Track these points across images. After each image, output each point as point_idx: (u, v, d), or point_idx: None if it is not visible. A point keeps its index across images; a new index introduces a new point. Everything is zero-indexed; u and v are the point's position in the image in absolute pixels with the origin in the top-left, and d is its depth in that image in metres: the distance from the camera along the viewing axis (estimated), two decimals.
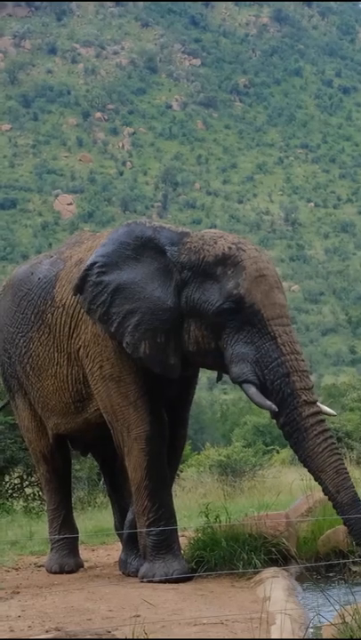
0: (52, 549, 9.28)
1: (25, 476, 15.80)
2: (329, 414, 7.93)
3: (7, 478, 15.91)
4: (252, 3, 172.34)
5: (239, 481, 18.18)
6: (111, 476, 9.36)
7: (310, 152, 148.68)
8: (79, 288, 8.26)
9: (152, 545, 8.13)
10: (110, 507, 10.05)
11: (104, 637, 5.86)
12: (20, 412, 9.43)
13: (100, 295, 8.14)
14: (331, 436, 7.72)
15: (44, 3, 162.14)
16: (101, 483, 15.69)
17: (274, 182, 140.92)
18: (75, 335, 8.54)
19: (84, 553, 9.67)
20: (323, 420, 7.71)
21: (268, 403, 7.64)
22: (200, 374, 8.81)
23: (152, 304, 8.02)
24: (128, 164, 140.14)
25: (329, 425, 7.91)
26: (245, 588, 7.63)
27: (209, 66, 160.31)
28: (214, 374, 8.43)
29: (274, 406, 7.63)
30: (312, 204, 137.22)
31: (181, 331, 7.98)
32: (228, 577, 8.01)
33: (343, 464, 7.63)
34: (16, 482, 15.93)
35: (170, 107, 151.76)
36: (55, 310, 8.71)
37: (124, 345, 8.04)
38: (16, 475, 15.94)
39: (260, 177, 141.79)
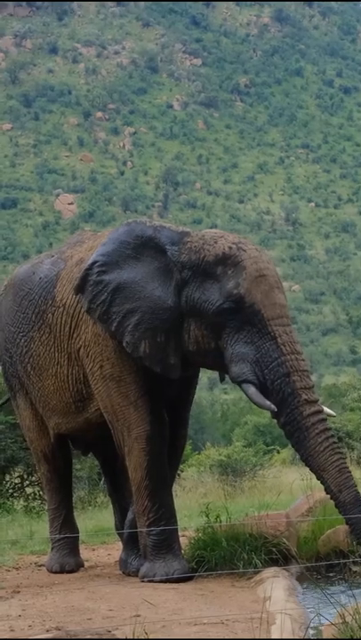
0: (52, 549, 9.29)
1: (25, 476, 15.80)
2: (329, 415, 7.94)
3: (8, 478, 15.91)
4: (253, 3, 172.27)
5: (240, 481, 18.19)
6: (112, 475, 9.36)
7: (311, 152, 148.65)
8: (80, 287, 8.27)
9: (152, 545, 8.13)
10: (111, 506, 10.05)
11: (104, 637, 5.86)
12: (21, 411, 9.44)
13: (101, 294, 8.15)
14: (332, 435, 7.73)
15: (45, 2, 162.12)
16: (102, 482, 15.69)
17: (275, 182, 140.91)
18: (75, 335, 8.54)
19: (84, 552, 9.67)
20: (324, 419, 7.71)
21: (268, 403, 7.64)
22: (201, 374, 8.81)
23: (152, 303, 8.03)
24: (129, 163, 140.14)
25: (330, 425, 7.91)
26: (246, 588, 7.63)
27: (210, 66, 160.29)
28: (215, 374, 8.43)
29: (273, 406, 7.64)
30: (313, 203, 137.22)
31: (181, 330, 7.98)
32: (228, 577, 8.01)
33: (345, 463, 7.64)
34: (16, 481, 15.93)
35: (171, 106, 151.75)
36: (56, 310, 8.71)
37: (124, 344, 8.04)
38: (16, 474, 15.94)
39: (261, 177, 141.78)
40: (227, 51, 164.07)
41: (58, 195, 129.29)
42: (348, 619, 5.32)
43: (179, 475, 15.69)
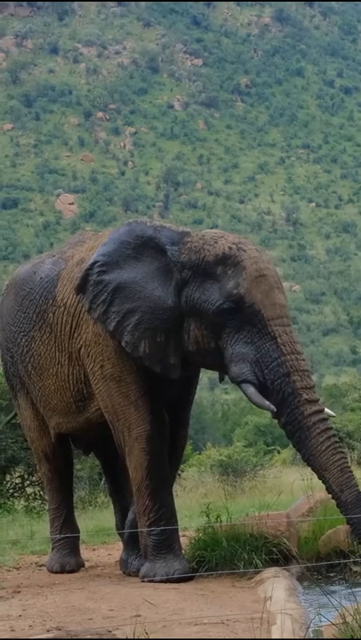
0: (53, 549, 9.29)
1: (26, 476, 15.80)
2: (329, 415, 7.93)
3: (8, 478, 15.91)
4: (253, 3, 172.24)
5: (240, 481, 18.20)
6: (113, 475, 9.36)
7: (312, 152, 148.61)
8: (80, 287, 8.28)
9: (153, 545, 8.13)
10: (111, 506, 10.05)
11: (105, 637, 5.86)
12: (22, 411, 9.44)
13: (101, 294, 8.16)
14: (334, 435, 7.73)
15: (46, 2, 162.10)
16: (102, 482, 15.69)
17: (275, 182, 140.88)
18: (76, 335, 8.55)
19: (85, 552, 9.68)
20: (325, 419, 7.71)
21: (267, 403, 7.65)
22: (201, 374, 8.81)
23: (152, 303, 8.03)
24: (130, 163, 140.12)
25: (331, 425, 7.91)
26: (246, 588, 7.63)
27: (211, 66, 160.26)
28: (216, 374, 8.43)
29: (272, 406, 7.64)
30: (313, 204, 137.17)
31: (181, 330, 7.99)
32: (228, 577, 8.01)
33: (347, 462, 7.64)
34: (17, 481, 15.93)
35: (171, 107, 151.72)
36: (56, 310, 8.71)
37: (124, 344, 8.05)
38: (17, 474, 15.94)
39: (262, 177, 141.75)
40: (227, 51, 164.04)
41: (58, 195, 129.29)
42: (349, 619, 5.33)
43: (179, 475, 15.69)
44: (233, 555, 8.15)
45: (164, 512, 8.16)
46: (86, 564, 9.33)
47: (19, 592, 8.01)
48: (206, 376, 9.06)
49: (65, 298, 8.66)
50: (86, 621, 6.49)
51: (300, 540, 8.59)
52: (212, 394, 59.08)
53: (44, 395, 8.97)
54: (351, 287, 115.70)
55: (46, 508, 12.47)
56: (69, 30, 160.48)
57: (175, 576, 7.98)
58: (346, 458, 7.71)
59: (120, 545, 9.25)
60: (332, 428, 7.78)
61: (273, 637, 5.59)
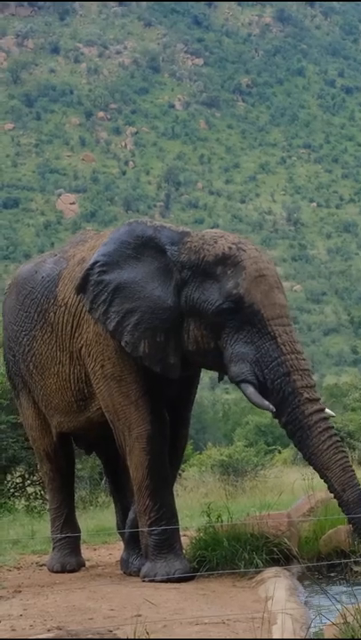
0: (53, 548, 9.29)
1: (27, 475, 15.80)
2: (329, 416, 7.92)
3: (9, 477, 15.91)
4: (254, 3, 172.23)
5: (241, 480, 18.20)
6: (114, 475, 9.36)
7: (313, 152, 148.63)
8: (81, 287, 8.29)
9: (154, 544, 8.13)
10: (112, 506, 10.05)
11: (106, 637, 5.86)
12: (24, 410, 9.45)
13: (101, 294, 8.16)
14: (335, 434, 7.72)
15: (47, 2, 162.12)
16: (103, 482, 15.70)
17: (276, 182, 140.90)
18: (77, 334, 8.55)
19: (85, 552, 9.67)
20: (326, 418, 7.70)
21: (266, 403, 7.64)
22: (202, 374, 8.81)
23: (152, 303, 8.03)
24: (131, 163, 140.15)
25: (332, 424, 7.90)
26: (247, 588, 7.62)
27: (212, 65, 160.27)
28: (216, 374, 8.42)
29: (271, 406, 7.64)
30: (315, 203, 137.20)
31: (181, 330, 7.99)
32: (229, 576, 8.01)
33: (349, 461, 7.63)
34: (18, 481, 15.93)
35: (172, 106, 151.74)
36: (58, 309, 8.72)
37: (124, 344, 8.05)
38: (18, 474, 15.94)
39: (263, 177, 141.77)
40: (228, 50, 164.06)
41: (60, 194, 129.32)
42: (350, 619, 5.33)
43: (180, 474, 15.69)
44: (234, 554, 8.15)
45: (165, 512, 8.16)
46: (87, 564, 9.32)
47: (19, 592, 8.01)
48: (207, 376, 9.06)
49: (66, 297, 8.67)
50: (87, 621, 6.49)
51: (300, 540, 8.59)
52: (213, 393, 59.06)
53: (45, 394, 8.98)
54: (352, 287, 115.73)
55: (47, 507, 12.47)
56: (70, 30, 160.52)
57: (176, 576, 7.98)
58: (347, 457, 7.71)
59: (121, 545, 9.25)
60: (333, 427, 7.78)
61: (274, 637, 5.59)
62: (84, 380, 8.56)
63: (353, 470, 7.58)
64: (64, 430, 9.03)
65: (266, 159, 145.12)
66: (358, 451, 20.90)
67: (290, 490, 12.72)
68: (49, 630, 6.16)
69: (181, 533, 8.50)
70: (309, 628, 5.83)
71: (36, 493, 15.70)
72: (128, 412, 8.20)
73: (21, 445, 14.85)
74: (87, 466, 15.72)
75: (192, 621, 6.28)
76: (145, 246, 8.19)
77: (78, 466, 14.75)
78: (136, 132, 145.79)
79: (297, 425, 7.64)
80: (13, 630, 6.30)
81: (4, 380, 14.27)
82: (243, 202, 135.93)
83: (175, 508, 8.36)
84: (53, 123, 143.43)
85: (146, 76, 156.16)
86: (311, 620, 6.06)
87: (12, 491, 15.84)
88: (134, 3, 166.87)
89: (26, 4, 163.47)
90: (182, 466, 15.66)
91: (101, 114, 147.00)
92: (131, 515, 8.69)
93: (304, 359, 7.81)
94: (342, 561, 7.96)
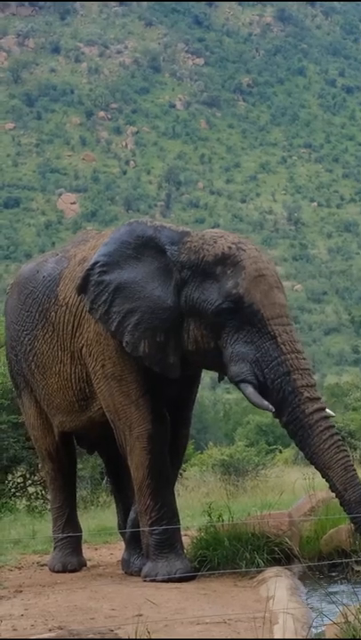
0: (55, 548, 9.29)
1: (28, 475, 15.81)
2: (328, 416, 7.91)
3: (10, 477, 15.91)
4: (255, 2, 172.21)
5: (242, 480, 18.21)
6: (116, 474, 9.35)
7: (313, 151, 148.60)
8: (82, 288, 8.29)
9: (155, 544, 8.13)
10: (113, 506, 10.05)
11: (107, 636, 5.86)
12: (26, 409, 9.46)
13: (102, 294, 8.17)
14: (337, 433, 7.71)
15: (48, 2, 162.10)
16: (104, 482, 15.70)
17: (277, 182, 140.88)
18: (78, 334, 8.56)
19: (86, 552, 9.67)
20: (327, 417, 7.69)
21: (266, 403, 7.64)
22: (203, 373, 8.81)
23: (152, 303, 8.04)
24: (131, 163, 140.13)
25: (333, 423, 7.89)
26: (248, 588, 7.63)
27: (212, 65, 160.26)
28: (217, 373, 8.42)
29: (271, 406, 7.64)
30: (315, 203, 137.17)
31: (181, 330, 7.99)
32: (230, 576, 8.01)
33: (350, 461, 7.62)
34: (19, 481, 15.94)
35: (173, 106, 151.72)
36: (59, 309, 8.72)
37: (124, 344, 8.06)
38: (19, 474, 15.94)
39: (264, 176, 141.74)
40: (229, 50, 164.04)
41: (60, 194, 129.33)
42: (351, 618, 5.33)
43: (181, 474, 15.68)
44: (235, 554, 8.15)
45: (166, 511, 8.16)
46: (88, 564, 9.32)
47: (21, 591, 8.01)
48: (208, 375, 9.05)
49: (67, 297, 8.67)
50: (88, 621, 6.50)
51: (301, 540, 8.59)
52: (214, 393, 59.07)
53: (47, 393, 8.98)
54: (353, 287, 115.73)
55: (48, 507, 12.47)
56: (71, 30, 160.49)
57: (177, 575, 7.98)
58: (349, 456, 7.69)
59: (122, 544, 9.26)
60: (334, 426, 7.77)
61: (275, 637, 5.59)
62: (85, 380, 8.57)
63: (355, 470, 7.58)
64: (66, 430, 9.04)
65: (266, 159, 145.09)
66: (360, 450, 20.90)
67: (291, 489, 12.72)
68: (50, 630, 6.16)
69: (182, 533, 8.50)
70: (311, 627, 5.84)
71: (37, 493, 15.71)
72: (129, 412, 8.20)
73: (22, 445, 14.85)
74: (88, 465, 15.72)
75: (193, 621, 6.29)
76: (145, 246, 8.19)
77: (79, 465, 14.75)
78: (137, 132, 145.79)
79: (298, 424, 7.63)
80: (15, 630, 6.30)
81: (5, 379, 14.29)
82: (243, 201, 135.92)
83: (176, 507, 8.36)
84: (54, 122, 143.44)
85: (146, 75, 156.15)
86: (312, 619, 6.06)
87: (13, 490, 15.84)
88: (135, 2, 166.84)
89: (27, 3, 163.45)
90: (183, 465, 15.66)
91: (102, 113, 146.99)
92: (132, 514, 8.69)
93: (304, 358, 7.81)
94: (343, 560, 7.97)
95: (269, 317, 7.73)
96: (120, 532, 9.38)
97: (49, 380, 8.89)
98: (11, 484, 15.87)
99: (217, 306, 7.80)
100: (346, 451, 7.68)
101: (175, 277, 8.00)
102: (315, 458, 7.60)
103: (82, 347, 8.51)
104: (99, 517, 12.85)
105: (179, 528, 8.30)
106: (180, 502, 9.22)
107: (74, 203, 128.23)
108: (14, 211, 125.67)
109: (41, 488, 15.52)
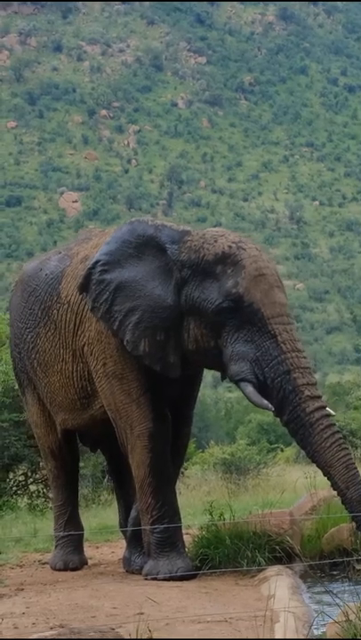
0: (56, 546, 9.29)
1: (29, 474, 15.80)
2: (329, 414, 7.90)
3: (12, 475, 15.91)
4: (257, 1, 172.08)
5: (243, 479, 18.19)
6: (118, 473, 9.36)
7: (316, 150, 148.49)
8: (84, 286, 8.31)
9: (156, 542, 8.14)
10: (114, 504, 10.05)
11: (108, 635, 5.86)
12: (29, 407, 9.47)
13: (103, 293, 8.18)
14: (338, 431, 7.71)
15: (50, 1, 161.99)
16: (105, 480, 15.70)
17: (279, 180, 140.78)
18: (79, 332, 8.57)
19: (88, 550, 9.68)
20: (328, 415, 7.69)
21: (265, 402, 7.65)
22: (205, 372, 8.81)
23: (152, 302, 8.05)
24: (133, 161, 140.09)
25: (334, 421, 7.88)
26: (249, 586, 7.63)
27: (214, 64, 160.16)
28: (220, 372, 8.41)
29: (270, 405, 7.65)
30: (317, 202, 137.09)
31: (181, 329, 8.00)
32: (232, 575, 8.02)
33: (352, 459, 7.63)
34: (20, 479, 15.93)
35: (175, 105, 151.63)
36: (61, 307, 8.74)
37: (125, 343, 8.07)
38: (20, 472, 15.94)
39: (266, 175, 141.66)
40: (231, 49, 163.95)
41: (62, 193, 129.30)
42: (352, 617, 5.33)
43: (182, 473, 15.68)
44: (236, 553, 8.16)
45: (167, 510, 8.17)
46: (89, 562, 9.33)
47: (22, 590, 8.02)
48: (210, 374, 9.06)
49: (69, 295, 8.68)
50: (89, 619, 6.50)
51: (303, 538, 8.60)
52: (216, 392, 59.06)
53: (49, 391, 9.00)
54: (355, 285, 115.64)
55: (49, 505, 12.47)
56: (73, 28, 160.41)
57: (178, 574, 7.99)
58: (351, 454, 7.70)
59: (123, 543, 9.26)
60: (335, 425, 7.77)
61: (276, 636, 5.59)
62: (86, 378, 8.58)
63: (356, 468, 7.58)
64: (68, 427, 9.05)
65: (268, 157, 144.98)
66: None
67: (292, 488, 12.72)
68: (51, 628, 6.16)
69: (184, 531, 8.50)
70: (312, 626, 5.84)
71: (39, 491, 15.70)
72: (130, 410, 8.21)
73: (24, 443, 14.84)
74: (89, 464, 15.72)
75: (194, 619, 6.29)
76: (146, 245, 8.20)
77: (80, 464, 14.76)
78: (139, 131, 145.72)
79: (299, 423, 7.63)
80: (16, 628, 6.31)
81: (7, 377, 14.30)
82: (245, 200, 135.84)
83: (177, 506, 8.37)
84: (56, 121, 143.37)
85: (148, 74, 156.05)
86: (314, 618, 6.06)
87: (14, 489, 15.84)
88: (137, 1, 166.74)
89: (29, 2, 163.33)
90: (185, 464, 15.64)
91: (104, 112, 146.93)
92: (133, 513, 8.70)
93: (305, 357, 7.81)
94: (345, 559, 7.97)
95: (269, 316, 7.73)
96: (121, 531, 9.39)
97: (51, 378, 8.90)
98: (12, 483, 15.87)
99: (217, 305, 7.80)
100: (347, 449, 7.68)
101: (175, 276, 8.01)
102: (316, 456, 7.60)
103: (83, 345, 8.52)
104: (100, 516, 12.86)
105: (180, 526, 8.31)
106: (181, 501, 9.22)
107: (76, 201, 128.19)
108: (16, 209, 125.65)
109: (42, 486, 15.52)
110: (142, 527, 8.24)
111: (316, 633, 5.77)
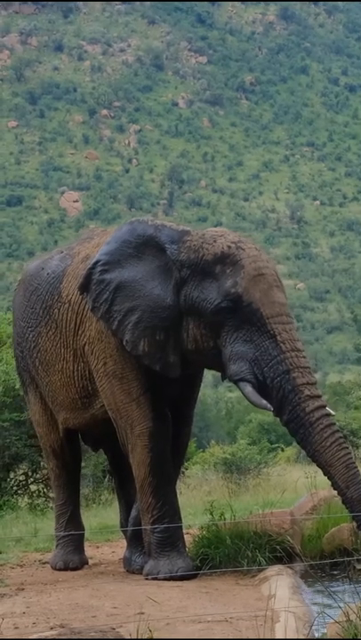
0: (57, 546, 9.29)
1: (30, 473, 15.80)
2: (329, 413, 7.90)
3: (12, 475, 15.91)
4: (258, 1, 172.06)
5: (244, 479, 18.19)
6: (119, 472, 9.36)
7: (316, 150, 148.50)
8: (84, 286, 8.32)
9: (156, 542, 8.13)
10: (115, 504, 10.05)
11: (108, 635, 5.86)
12: (31, 405, 9.48)
13: (103, 293, 8.19)
14: (338, 430, 7.70)
15: (51, 0, 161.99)
16: (106, 480, 15.70)
17: (280, 180, 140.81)
18: (80, 332, 8.57)
19: (88, 550, 9.68)
20: (328, 414, 7.68)
21: (264, 402, 7.65)
22: (206, 372, 8.80)
23: (152, 302, 8.05)
24: (134, 161, 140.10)
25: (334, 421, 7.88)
26: (250, 586, 7.63)
27: (215, 63, 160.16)
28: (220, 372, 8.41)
29: (269, 405, 7.65)
30: (318, 202, 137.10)
31: (180, 329, 8.00)
32: (232, 574, 8.02)
33: (352, 458, 7.61)
34: (21, 479, 15.93)
35: (176, 104, 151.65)
36: (62, 306, 8.75)
37: (124, 342, 8.08)
38: (21, 471, 15.94)
39: (266, 175, 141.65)
40: (232, 49, 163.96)
41: (63, 192, 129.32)
42: (353, 617, 5.33)
43: (183, 472, 15.68)
44: (237, 552, 8.15)
45: (168, 509, 8.17)
46: (90, 562, 9.33)
47: (22, 589, 8.01)
48: (210, 374, 9.06)
49: (70, 294, 8.69)
50: (90, 619, 6.50)
51: (303, 538, 8.59)
52: (216, 391, 59.07)
53: (51, 390, 9.01)
54: (355, 285, 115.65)
55: (50, 505, 12.46)
56: (74, 28, 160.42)
57: (179, 574, 7.99)
58: (351, 454, 7.68)
59: (124, 542, 9.26)
60: (335, 424, 7.76)
61: (277, 635, 5.59)
62: (87, 378, 8.58)
63: (357, 467, 7.57)
64: (70, 426, 9.05)
65: (269, 157, 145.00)
66: None
67: (293, 488, 12.72)
68: (52, 628, 6.16)
69: (184, 531, 8.50)
70: (312, 626, 5.83)
71: (39, 491, 15.70)
72: (130, 410, 8.21)
73: (24, 443, 14.84)
74: (90, 464, 15.72)
75: (195, 619, 6.29)
76: (146, 245, 8.21)
77: (82, 463, 14.76)
78: (139, 130, 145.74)
79: (299, 422, 7.63)
80: (16, 628, 6.30)
81: (8, 377, 14.30)
82: (246, 200, 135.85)
83: (178, 505, 8.37)
84: (57, 120, 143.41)
85: (149, 73, 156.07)
86: (314, 618, 6.06)
87: (15, 488, 15.84)
88: (138, 1, 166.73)
89: (30, 2, 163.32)
90: (185, 464, 15.65)
91: (105, 112, 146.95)
92: (133, 512, 8.70)
93: (304, 357, 7.80)
94: (345, 559, 7.97)
95: (269, 316, 7.73)
96: (122, 530, 9.39)
97: (52, 377, 8.91)
98: (13, 482, 15.87)
99: (216, 305, 7.80)
100: (348, 448, 7.68)
101: (175, 276, 8.02)
102: (316, 456, 7.59)
103: (84, 344, 8.53)
104: (100, 515, 12.86)
105: (180, 526, 8.30)
106: (181, 500, 9.22)
107: (76, 201, 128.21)
108: (17, 209, 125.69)
109: (43, 486, 15.52)
110: (143, 527, 8.24)
111: (317, 633, 5.77)
